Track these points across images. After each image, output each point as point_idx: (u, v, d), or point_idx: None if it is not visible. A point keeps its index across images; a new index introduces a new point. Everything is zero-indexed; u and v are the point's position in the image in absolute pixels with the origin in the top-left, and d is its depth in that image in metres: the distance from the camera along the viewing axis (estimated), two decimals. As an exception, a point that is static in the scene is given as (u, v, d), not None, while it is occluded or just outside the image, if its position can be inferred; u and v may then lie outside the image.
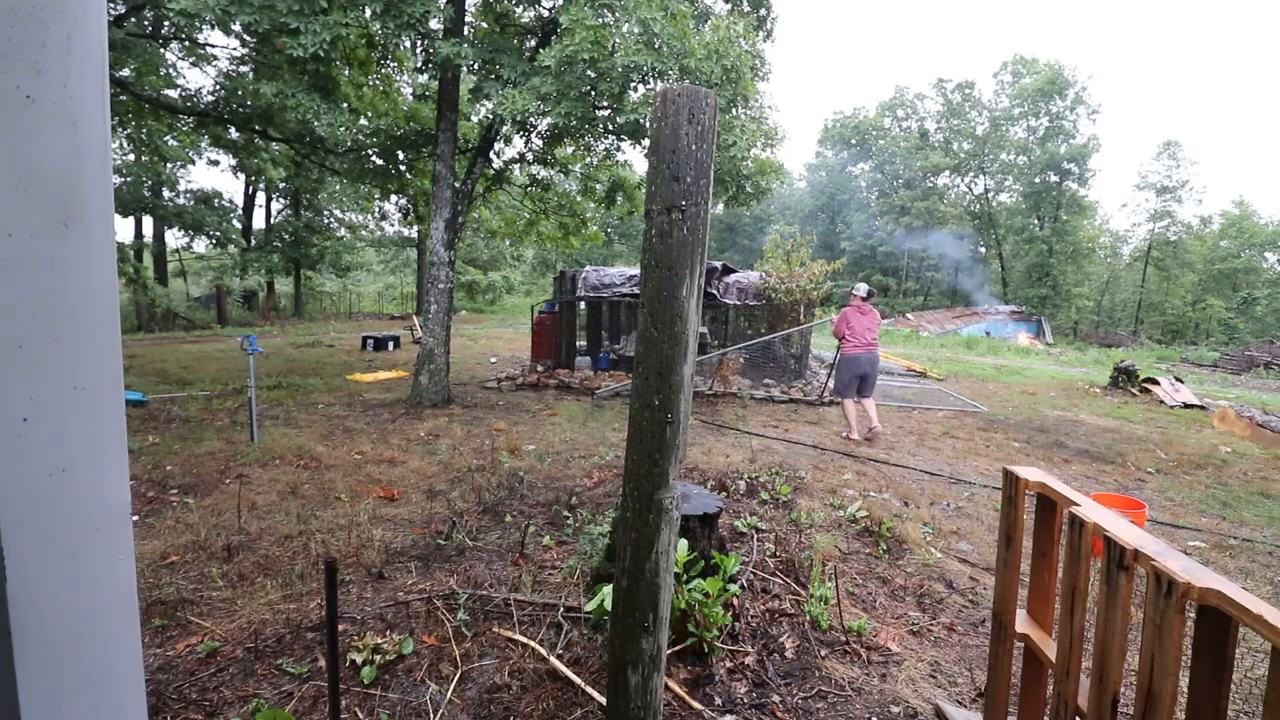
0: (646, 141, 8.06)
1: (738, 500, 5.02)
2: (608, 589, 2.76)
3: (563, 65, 7.32)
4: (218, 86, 11.78)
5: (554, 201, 12.68)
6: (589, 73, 7.45)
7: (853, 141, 51.94)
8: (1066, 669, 1.65)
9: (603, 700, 2.47)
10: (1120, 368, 13.85)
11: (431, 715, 2.48)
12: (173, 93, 12.41)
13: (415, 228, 19.04)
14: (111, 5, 9.90)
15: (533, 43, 9.30)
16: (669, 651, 2.73)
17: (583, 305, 12.78)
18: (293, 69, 7.96)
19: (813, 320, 11.33)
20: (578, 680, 2.63)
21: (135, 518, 4.34)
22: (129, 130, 12.66)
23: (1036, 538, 1.95)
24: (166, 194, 22.00)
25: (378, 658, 2.77)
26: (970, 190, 49.00)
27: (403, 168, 11.24)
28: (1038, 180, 41.71)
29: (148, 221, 23.62)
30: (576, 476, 5.64)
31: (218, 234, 21.93)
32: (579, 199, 12.88)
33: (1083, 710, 1.59)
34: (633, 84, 7.70)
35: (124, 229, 24.50)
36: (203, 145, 17.30)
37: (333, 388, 9.86)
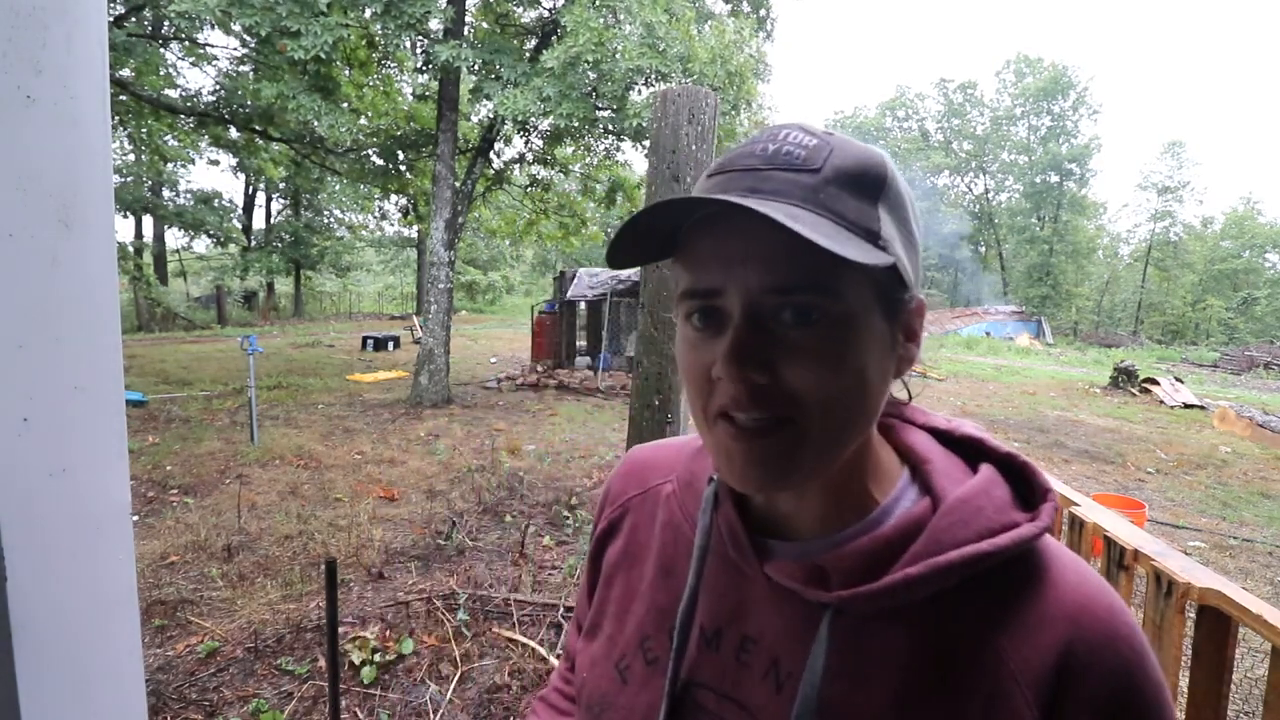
0: (648, 143, 8.07)
1: (738, 500, 5.02)
2: (608, 589, 2.76)
3: (565, 66, 7.32)
4: (218, 87, 11.77)
5: (554, 201, 12.69)
6: (591, 74, 7.45)
7: (853, 142, 51.85)
8: (1066, 669, 1.65)
9: (603, 700, 2.46)
10: (1120, 368, 13.85)
11: (431, 715, 2.48)
12: (173, 93, 12.40)
13: (415, 228, 19.06)
14: (111, 5, 9.91)
15: (533, 43, 9.30)
16: (669, 652, 2.72)
17: (583, 305, 12.78)
18: (293, 70, 7.96)
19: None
20: (578, 680, 2.63)
21: (135, 518, 4.34)
22: (129, 130, 12.64)
23: (1036, 538, 1.95)
24: (166, 194, 22.00)
25: (378, 658, 2.77)
26: (970, 190, 49.00)
27: (403, 168, 11.24)
28: (1039, 180, 41.68)
29: (148, 221, 23.61)
30: (576, 476, 5.64)
31: (218, 234, 21.92)
32: (579, 199, 12.88)
33: (1083, 710, 1.58)
34: (636, 86, 7.70)
35: (124, 229, 24.47)
36: (203, 145, 17.28)
37: (332, 388, 9.86)
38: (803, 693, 0.44)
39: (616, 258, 0.47)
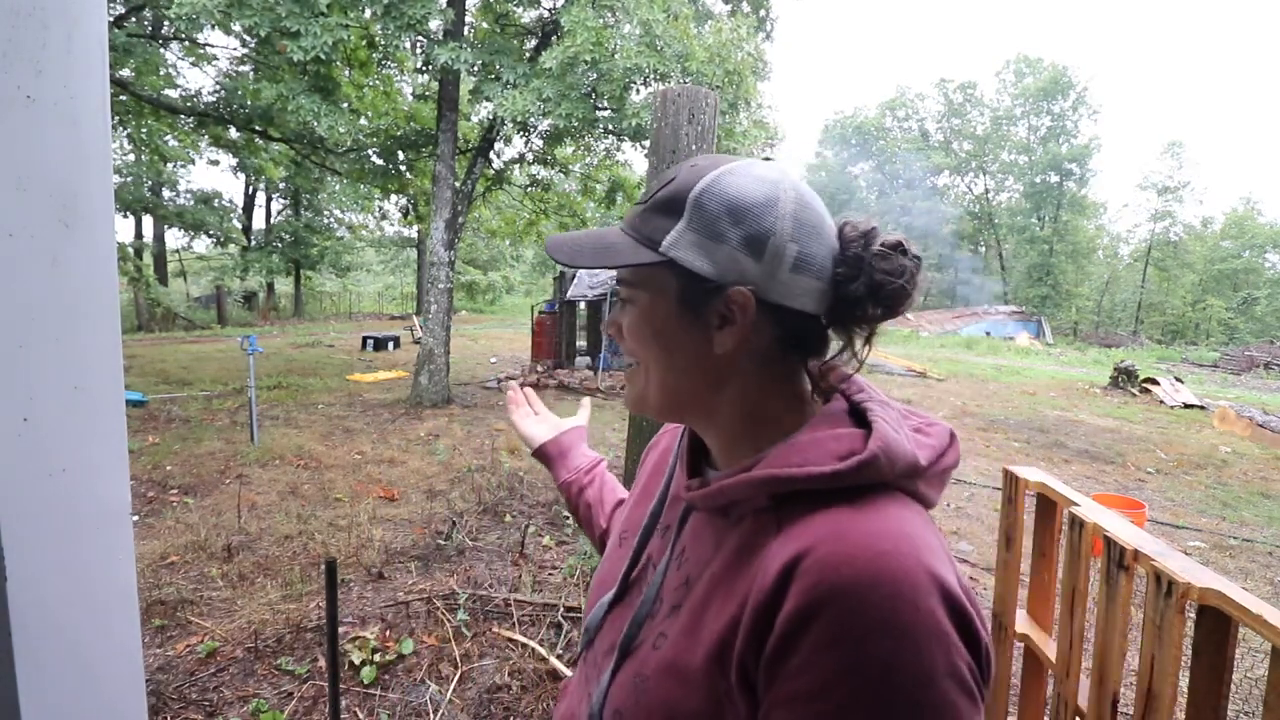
0: (648, 142, 8.08)
1: (738, 500, 5.02)
2: (608, 589, 2.76)
3: (564, 67, 7.32)
4: (218, 87, 11.77)
5: (554, 201, 12.68)
6: (590, 74, 7.45)
7: (853, 141, 51.91)
8: (1066, 669, 1.66)
9: (603, 700, 2.46)
10: (1120, 368, 13.85)
11: (431, 715, 2.48)
12: (173, 93, 12.40)
13: (415, 228, 19.05)
14: (111, 6, 9.90)
15: (533, 43, 9.30)
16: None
17: (583, 305, 12.78)
18: (293, 70, 7.96)
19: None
20: (578, 680, 2.63)
21: (135, 518, 4.34)
22: (129, 130, 12.64)
23: (1036, 538, 1.95)
24: (166, 194, 21.97)
25: (378, 658, 2.77)
26: (970, 190, 49.01)
27: (403, 168, 11.23)
28: (1039, 180, 41.69)
29: (148, 221, 23.60)
30: (576, 476, 5.64)
31: (218, 234, 21.90)
32: (579, 199, 12.88)
33: (1083, 710, 1.59)
34: (634, 86, 7.69)
35: (124, 229, 24.45)
36: (203, 145, 17.28)
37: (332, 388, 9.86)
38: (663, 562, 0.64)
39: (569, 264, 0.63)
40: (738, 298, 0.55)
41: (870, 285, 0.55)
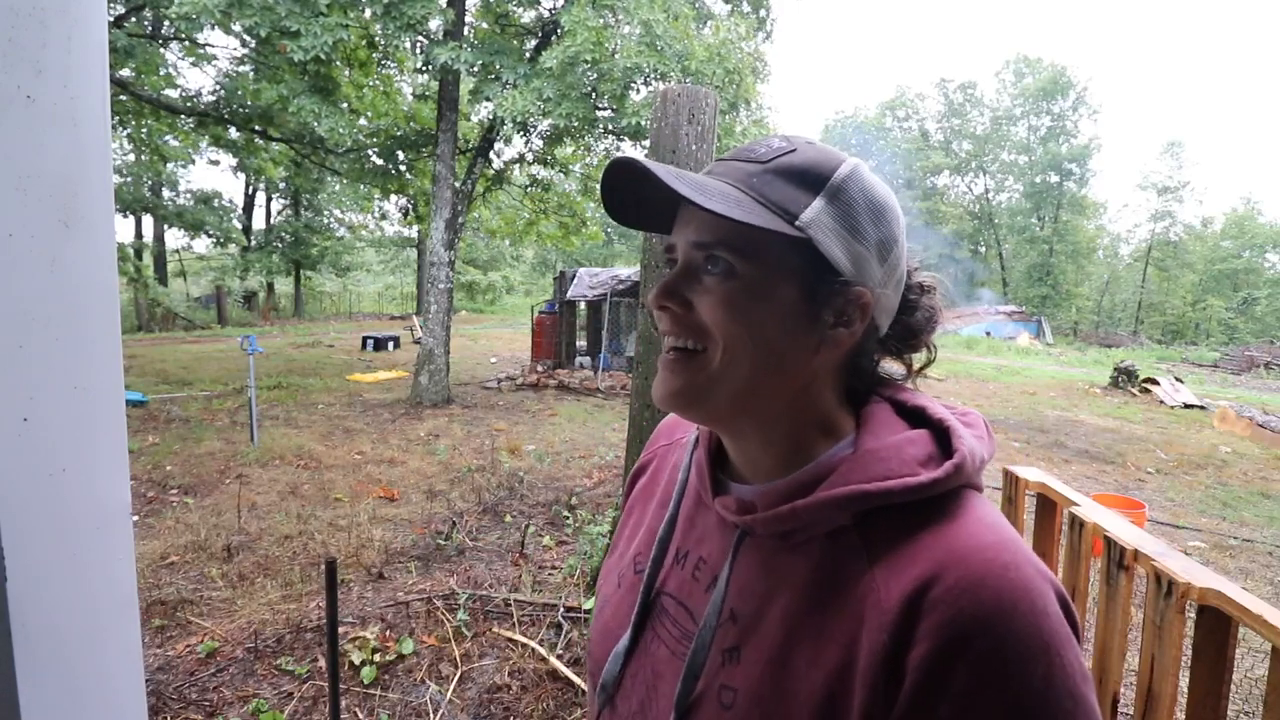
0: (647, 142, 8.06)
1: (738, 500, 5.01)
2: (608, 589, 2.76)
3: (564, 67, 7.33)
4: (218, 87, 11.76)
5: (554, 201, 12.67)
6: (590, 74, 7.45)
7: (853, 141, 51.85)
8: (1066, 669, 1.65)
9: (603, 700, 2.46)
10: (1120, 368, 13.84)
11: (431, 715, 2.48)
12: (173, 93, 12.39)
13: (415, 228, 19.02)
14: (111, 6, 9.90)
15: (532, 44, 9.30)
16: (669, 651, 2.72)
17: (583, 305, 12.77)
18: (293, 71, 7.96)
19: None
20: (578, 680, 2.63)
21: (135, 518, 4.34)
22: (129, 130, 12.63)
23: (1036, 538, 1.95)
24: (166, 194, 21.97)
25: (378, 658, 2.77)
26: (970, 190, 48.98)
27: (403, 168, 11.23)
28: (1039, 180, 41.67)
29: (148, 221, 23.59)
30: (576, 476, 5.64)
31: (218, 234, 21.90)
32: (579, 199, 12.87)
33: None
34: (634, 86, 7.70)
35: (124, 229, 24.46)
36: (203, 145, 17.26)
37: (332, 388, 9.86)
38: (713, 599, 0.54)
39: (616, 216, 0.59)
40: (862, 299, 0.51)
41: (927, 318, 0.57)
